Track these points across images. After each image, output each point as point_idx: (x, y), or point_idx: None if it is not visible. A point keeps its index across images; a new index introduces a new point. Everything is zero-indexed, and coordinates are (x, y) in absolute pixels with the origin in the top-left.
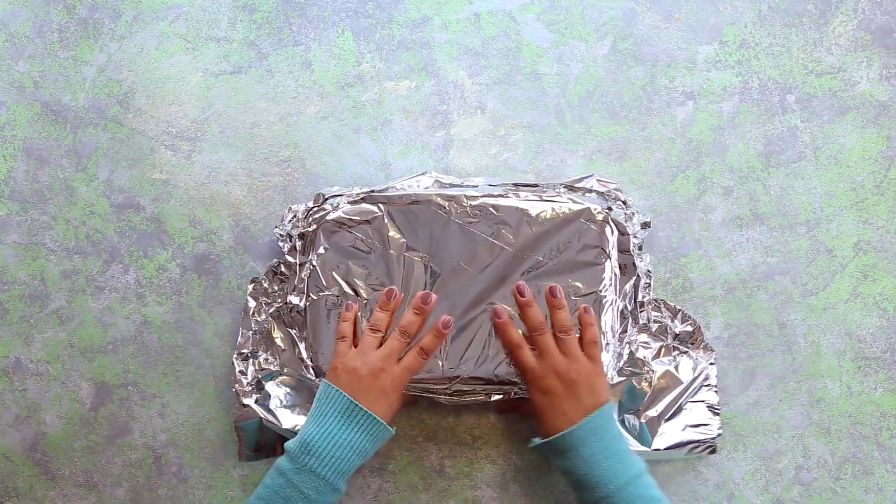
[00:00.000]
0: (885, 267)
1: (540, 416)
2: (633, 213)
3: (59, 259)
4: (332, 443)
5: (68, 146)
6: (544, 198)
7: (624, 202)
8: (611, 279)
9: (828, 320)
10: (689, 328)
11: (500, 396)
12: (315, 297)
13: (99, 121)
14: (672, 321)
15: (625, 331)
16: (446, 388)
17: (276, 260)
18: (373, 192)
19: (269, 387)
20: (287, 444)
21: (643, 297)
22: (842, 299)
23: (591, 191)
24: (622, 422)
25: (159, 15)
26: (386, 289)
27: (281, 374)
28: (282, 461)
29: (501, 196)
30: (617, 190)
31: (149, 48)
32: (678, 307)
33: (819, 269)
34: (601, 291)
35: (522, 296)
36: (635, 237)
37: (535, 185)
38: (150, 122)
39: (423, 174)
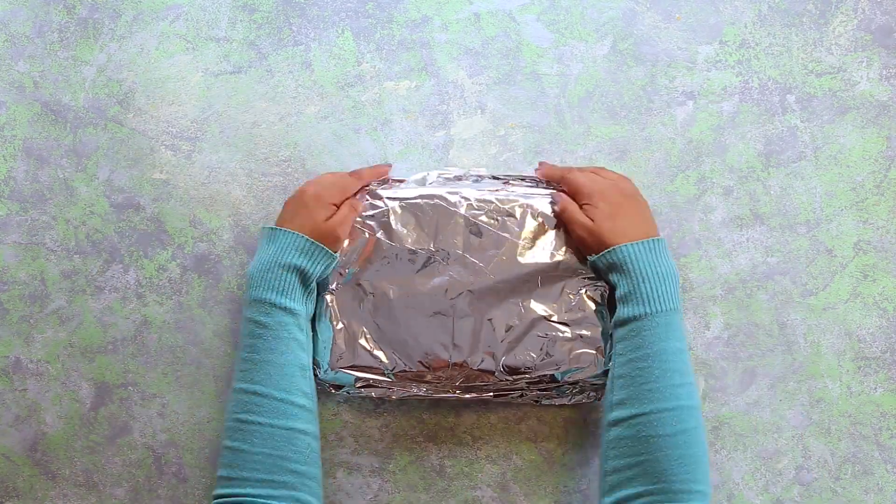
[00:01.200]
0: (885, 267)
1: (606, 226)
2: None
3: (59, 259)
4: (261, 267)
5: (68, 146)
6: (546, 189)
7: None
8: None
9: (828, 320)
10: None
11: (507, 396)
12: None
13: (99, 121)
14: None
15: None
16: (454, 381)
17: None
18: (377, 185)
19: None
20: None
21: None
22: (842, 299)
23: None
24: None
25: (159, 15)
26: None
27: None
28: (243, 309)
29: (506, 188)
30: None
31: (149, 48)
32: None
33: (819, 269)
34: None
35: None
36: None
37: (541, 183)
38: (150, 122)
39: (425, 174)
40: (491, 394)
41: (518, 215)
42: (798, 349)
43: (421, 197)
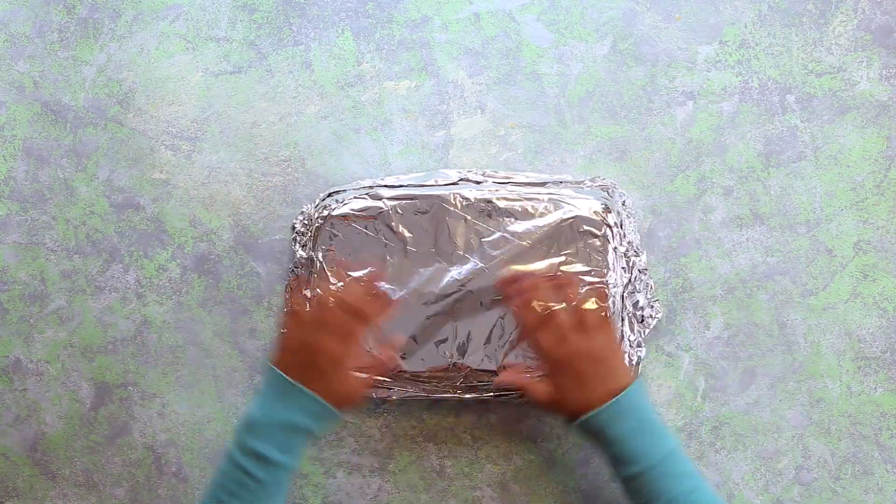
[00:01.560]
0: (885, 267)
1: (566, 396)
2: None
3: (59, 259)
4: (268, 421)
5: (68, 146)
6: (547, 190)
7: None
8: (613, 268)
9: (828, 320)
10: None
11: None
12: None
13: (99, 121)
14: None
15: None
16: (454, 381)
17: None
18: (378, 185)
19: None
20: (236, 425)
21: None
22: (842, 299)
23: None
24: None
25: (159, 15)
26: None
27: None
28: (230, 444)
29: (505, 189)
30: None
31: (149, 48)
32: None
33: (819, 269)
34: (609, 286)
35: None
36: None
37: (541, 184)
38: (150, 122)
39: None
40: (491, 394)
41: (519, 216)
42: (798, 349)
43: (422, 198)
